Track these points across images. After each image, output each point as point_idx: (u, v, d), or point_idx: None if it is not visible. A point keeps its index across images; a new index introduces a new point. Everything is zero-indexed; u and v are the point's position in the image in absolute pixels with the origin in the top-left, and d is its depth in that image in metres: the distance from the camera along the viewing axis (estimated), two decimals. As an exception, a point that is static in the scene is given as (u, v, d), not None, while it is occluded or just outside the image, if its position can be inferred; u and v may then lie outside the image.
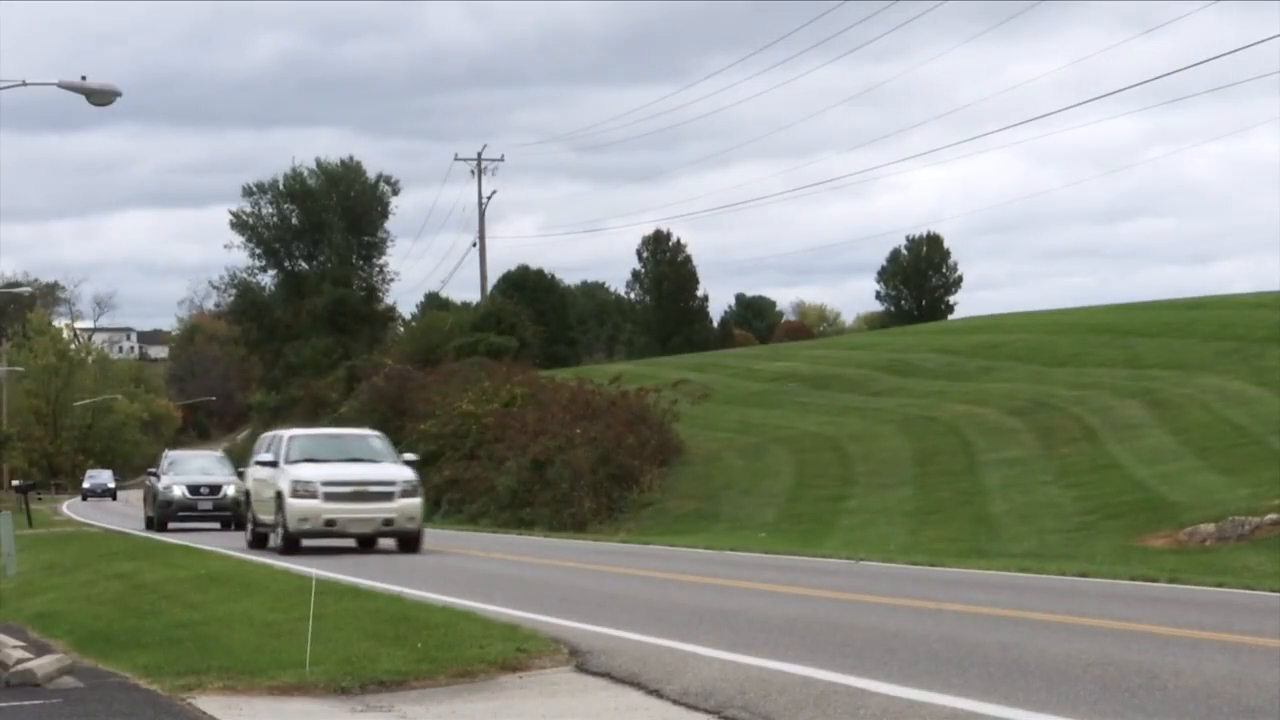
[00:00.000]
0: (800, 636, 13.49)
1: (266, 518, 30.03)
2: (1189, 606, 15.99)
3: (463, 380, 61.16)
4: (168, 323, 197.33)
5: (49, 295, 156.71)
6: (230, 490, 43.14)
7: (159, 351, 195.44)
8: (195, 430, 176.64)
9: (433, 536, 33.11)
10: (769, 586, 18.93)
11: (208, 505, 44.34)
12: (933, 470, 39.67)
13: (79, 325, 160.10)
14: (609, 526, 42.25)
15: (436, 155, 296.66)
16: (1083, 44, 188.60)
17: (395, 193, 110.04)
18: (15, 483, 73.41)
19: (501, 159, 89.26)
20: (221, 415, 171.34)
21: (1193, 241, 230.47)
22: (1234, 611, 15.38)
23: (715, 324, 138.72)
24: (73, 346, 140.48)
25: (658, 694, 10.73)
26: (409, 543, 28.99)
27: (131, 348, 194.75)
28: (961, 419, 45.63)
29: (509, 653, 12.31)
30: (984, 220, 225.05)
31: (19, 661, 12.38)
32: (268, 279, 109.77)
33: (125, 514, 62.60)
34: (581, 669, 12.00)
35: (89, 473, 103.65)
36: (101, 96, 27.82)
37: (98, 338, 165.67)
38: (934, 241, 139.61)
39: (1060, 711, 9.21)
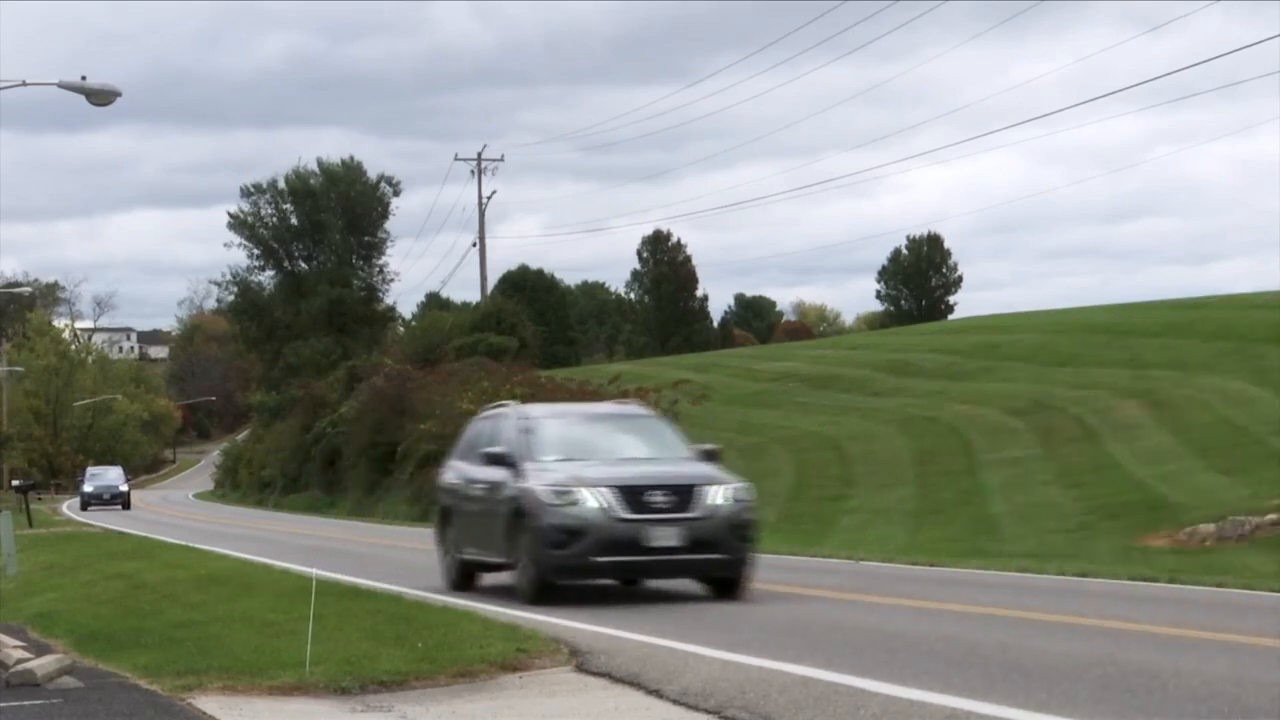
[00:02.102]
0: (800, 636, 13.49)
1: None
2: (1189, 606, 15.99)
3: (463, 380, 61.03)
4: (168, 323, 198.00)
5: (49, 295, 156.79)
6: (717, 496, 17.72)
7: (159, 351, 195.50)
8: (195, 430, 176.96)
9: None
10: (769, 586, 18.91)
11: (668, 538, 17.36)
12: (933, 470, 39.65)
13: (79, 325, 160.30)
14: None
15: (442, 155, 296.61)
16: (1087, 43, 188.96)
17: (396, 193, 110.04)
18: (15, 483, 72.93)
19: (501, 159, 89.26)
20: (221, 415, 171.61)
21: (1195, 241, 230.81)
22: (1234, 611, 15.38)
23: (715, 324, 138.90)
24: (73, 347, 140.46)
25: (658, 694, 10.72)
26: None
27: (131, 348, 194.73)
28: (962, 419, 45.60)
29: (509, 653, 12.30)
30: (987, 220, 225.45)
31: (19, 661, 12.36)
32: (266, 279, 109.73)
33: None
34: (581, 669, 11.98)
35: (90, 471, 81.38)
36: (101, 97, 27.77)
37: (98, 338, 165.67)
38: (934, 241, 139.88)
39: (1060, 711, 9.20)
